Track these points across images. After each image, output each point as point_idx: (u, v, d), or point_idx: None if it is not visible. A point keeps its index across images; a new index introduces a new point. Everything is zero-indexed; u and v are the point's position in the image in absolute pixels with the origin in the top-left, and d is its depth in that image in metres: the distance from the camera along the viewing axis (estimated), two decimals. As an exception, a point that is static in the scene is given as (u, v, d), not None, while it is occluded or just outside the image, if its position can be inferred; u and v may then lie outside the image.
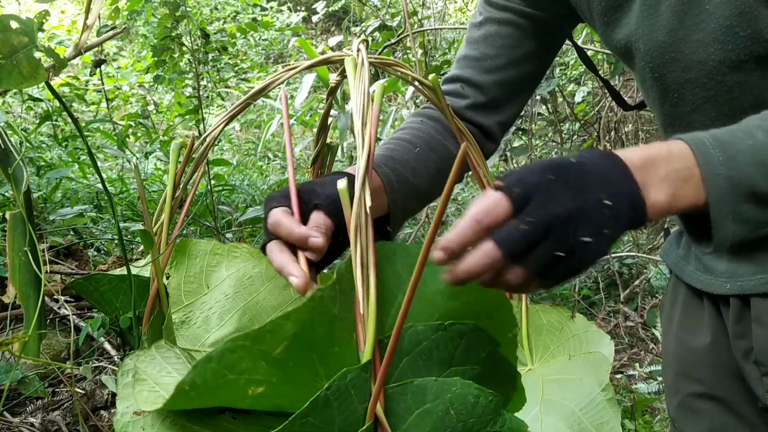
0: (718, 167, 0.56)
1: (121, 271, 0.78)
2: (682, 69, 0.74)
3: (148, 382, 0.57)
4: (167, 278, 0.80)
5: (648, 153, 0.58)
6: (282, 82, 0.68)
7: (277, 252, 0.64)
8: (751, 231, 0.58)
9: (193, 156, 0.69)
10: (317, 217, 0.64)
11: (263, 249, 0.67)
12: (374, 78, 3.28)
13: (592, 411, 0.70)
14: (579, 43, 1.04)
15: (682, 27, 0.72)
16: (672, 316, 0.94)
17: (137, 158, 3.27)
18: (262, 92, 0.68)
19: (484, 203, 0.53)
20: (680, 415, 0.92)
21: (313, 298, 0.52)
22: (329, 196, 0.65)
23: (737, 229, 0.58)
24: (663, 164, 0.57)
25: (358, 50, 0.65)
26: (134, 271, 0.74)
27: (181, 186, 0.69)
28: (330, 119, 0.80)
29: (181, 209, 0.72)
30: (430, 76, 0.73)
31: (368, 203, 0.56)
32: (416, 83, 0.73)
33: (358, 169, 0.57)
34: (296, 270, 0.61)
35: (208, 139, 0.69)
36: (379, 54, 2.78)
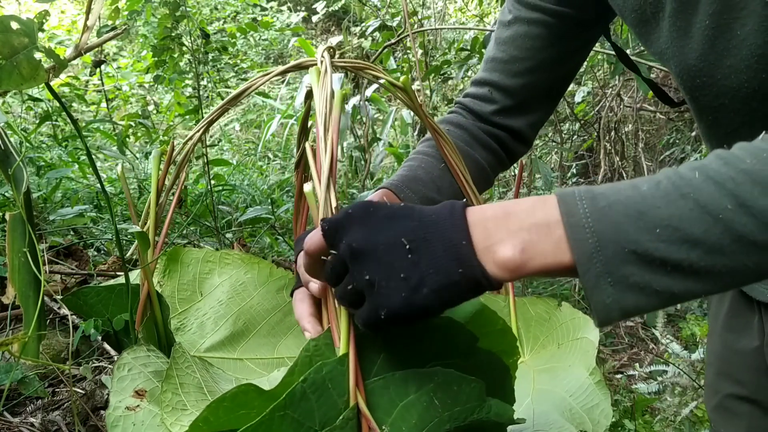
0: (582, 219, 0.49)
1: (116, 280, 0.78)
2: (714, 94, 0.70)
3: (174, 380, 0.58)
4: (160, 285, 0.81)
5: (507, 206, 0.52)
6: (256, 88, 0.70)
7: (297, 301, 0.65)
8: (656, 300, 0.49)
9: (175, 161, 0.70)
10: None
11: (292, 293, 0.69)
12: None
13: (582, 396, 0.71)
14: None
15: (713, 52, 0.67)
16: (718, 315, 0.92)
17: (137, 158, 3.27)
18: (239, 97, 0.71)
19: (309, 236, 0.56)
20: (717, 416, 0.91)
21: (308, 348, 0.53)
22: None
23: (629, 298, 0.48)
24: (520, 217, 0.51)
25: (322, 58, 0.66)
26: (132, 275, 0.74)
27: (164, 192, 0.70)
28: (311, 122, 0.81)
29: (167, 214, 0.73)
30: (402, 78, 0.75)
31: (334, 204, 0.59)
32: (388, 85, 0.75)
33: (322, 172, 0.60)
34: (309, 325, 0.62)
35: (188, 145, 0.70)
36: (379, 54, 2.78)
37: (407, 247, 0.50)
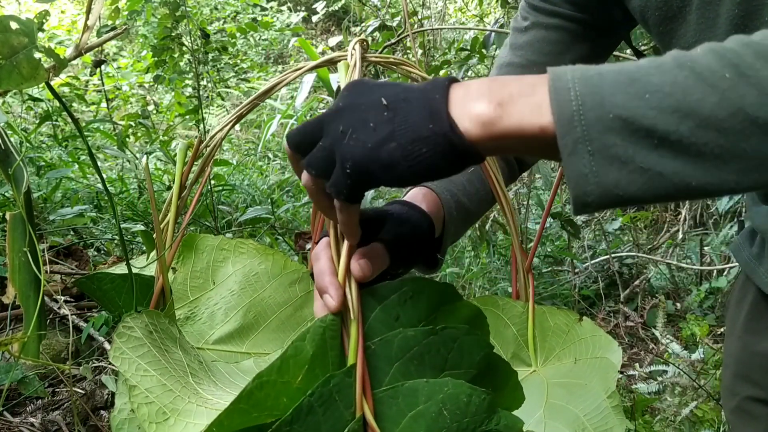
0: (568, 84, 0.45)
1: (123, 269, 0.77)
2: None
3: (139, 389, 0.56)
4: (173, 272, 0.80)
5: (496, 77, 0.51)
6: (288, 83, 0.69)
7: (321, 251, 0.59)
8: (640, 180, 0.44)
9: (200, 155, 0.70)
10: (369, 250, 0.59)
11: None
12: (375, 77, 3.27)
13: (596, 418, 0.69)
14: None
15: None
16: (737, 317, 0.91)
17: (138, 158, 3.27)
18: (269, 93, 0.69)
19: None
20: (735, 419, 0.90)
21: (323, 320, 0.53)
22: (397, 234, 0.64)
23: (611, 172, 0.44)
24: (505, 81, 0.49)
25: (353, 50, 0.65)
26: (135, 270, 0.74)
27: (187, 186, 0.69)
28: None
29: (187, 209, 0.72)
30: (440, 74, 0.73)
31: None
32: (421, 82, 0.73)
33: None
34: (333, 289, 0.55)
35: (215, 140, 0.69)
36: (379, 54, 2.78)
37: (385, 104, 0.49)
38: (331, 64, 0.69)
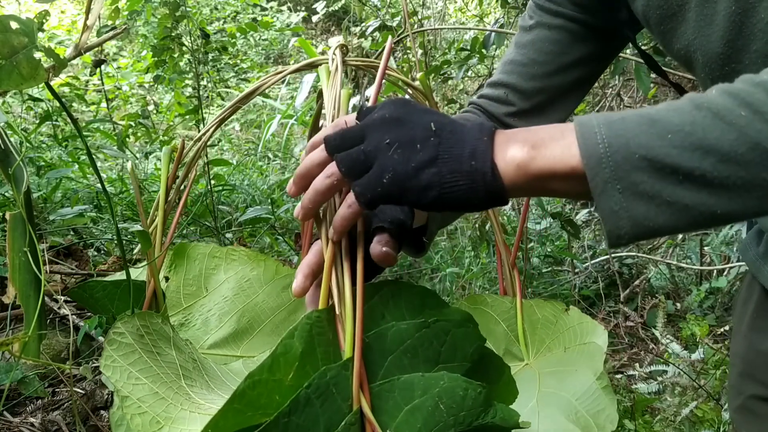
0: (594, 128, 0.49)
1: (119, 275, 0.78)
2: None
3: (131, 399, 0.56)
4: (166, 281, 0.81)
5: (528, 127, 0.54)
6: (271, 86, 0.70)
7: (312, 248, 0.62)
8: (668, 212, 0.47)
9: (185, 159, 0.70)
10: (384, 238, 0.61)
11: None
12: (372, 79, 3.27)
13: (588, 400, 0.71)
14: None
15: (740, 37, 0.67)
16: (743, 316, 0.91)
17: (137, 158, 3.27)
18: (251, 96, 0.70)
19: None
20: (740, 417, 0.91)
21: (309, 316, 0.53)
22: (394, 220, 0.65)
23: (639, 207, 0.47)
24: (538, 129, 0.53)
25: (334, 56, 0.66)
26: (133, 274, 0.74)
27: (174, 189, 0.69)
28: (322, 121, 0.81)
29: (176, 212, 0.73)
30: (418, 75, 0.74)
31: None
32: (403, 84, 0.74)
33: None
34: (300, 275, 0.59)
35: (199, 143, 0.70)
36: (379, 54, 2.78)
37: (433, 129, 0.52)
38: (312, 67, 0.70)
